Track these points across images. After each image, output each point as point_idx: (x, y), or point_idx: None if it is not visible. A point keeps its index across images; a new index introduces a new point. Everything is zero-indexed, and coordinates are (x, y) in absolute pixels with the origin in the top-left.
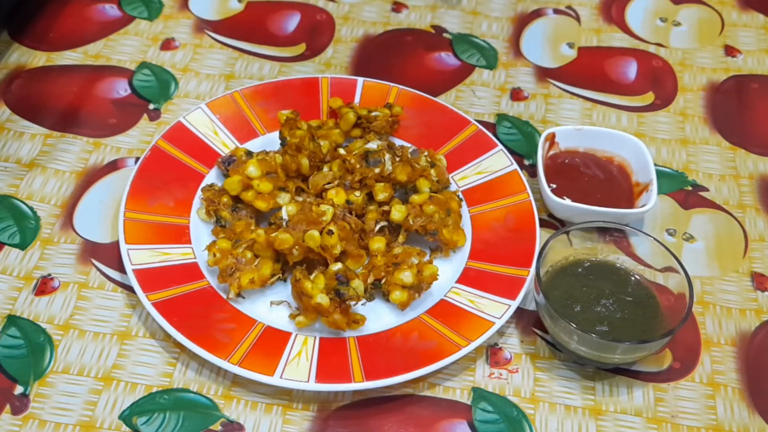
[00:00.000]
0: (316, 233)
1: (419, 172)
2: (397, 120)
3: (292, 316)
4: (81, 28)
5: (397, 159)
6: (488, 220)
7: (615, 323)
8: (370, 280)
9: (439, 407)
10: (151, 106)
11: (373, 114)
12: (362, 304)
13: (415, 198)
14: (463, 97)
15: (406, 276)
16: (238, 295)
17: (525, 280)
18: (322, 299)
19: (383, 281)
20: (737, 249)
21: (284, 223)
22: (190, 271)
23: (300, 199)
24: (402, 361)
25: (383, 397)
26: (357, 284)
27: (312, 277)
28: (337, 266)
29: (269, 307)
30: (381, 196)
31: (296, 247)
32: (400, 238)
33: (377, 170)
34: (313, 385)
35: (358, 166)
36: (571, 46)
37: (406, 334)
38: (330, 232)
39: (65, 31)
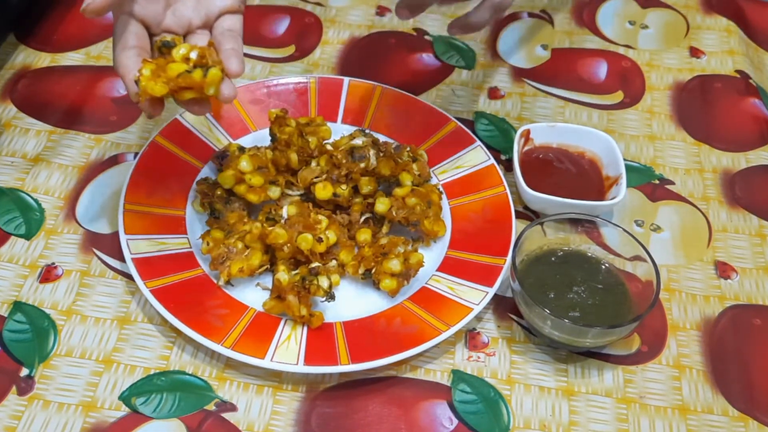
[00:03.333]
0: (309, 236)
1: (402, 167)
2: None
3: (265, 303)
4: (83, 31)
5: (381, 154)
6: (467, 211)
7: (586, 309)
8: (361, 270)
9: (420, 388)
10: None
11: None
12: (322, 301)
13: (398, 191)
14: (444, 95)
15: (395, 264)
16: (228, 282)
17: (501, 269)
18: (282, 276)
19: (373, 270)
20: (701, 239)
21: (282, 220)
22: (186, 260)
23: (291, 192)
24: (385, 344)
25: (368, 379)
26: (323, 280)
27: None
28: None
29: (259, 293)
30: (366, 189)
31: (288, 244)
32: (384, 229)
33: (362, 165)
34: (302, 368)
35: (344, 160)
36: (545, 47)
37: (390, 319)
38: (320, 239)
39: (69, 33)
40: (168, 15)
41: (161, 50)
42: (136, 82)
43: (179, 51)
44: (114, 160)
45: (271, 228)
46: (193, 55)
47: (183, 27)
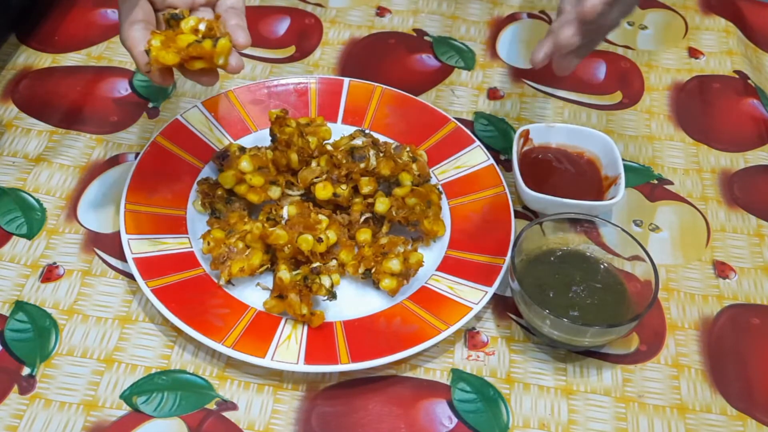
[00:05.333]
0: (310, 237)
1: (401, 167)
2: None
3: (265, 303)
4: (84, 32)
5: (381, 154)
6: (466, 211)
7: (585, 308)
8: (361, 270)
9: (420, 387)
10: (151, 105)
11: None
12: (323, 300)
13: (397, 191)
14: (443, 96)
15: (394, 264)
16: (228, 281)
17: (501, 268)
18: (284, 275)
19: (373, 270)
20: (700, 239)
21: (283, 221)
22: (187, 260)
23: (291, 193)
24: (385, 343)
25: (368, 378)
26: (325, 279)
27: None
28: (332, 263)
29: (260, 292)
30: (366, 189)
31: (288, 245)
32: (384, 229)
33: (362, 165)
34: (302, 367)
35: (344, 161)
36: None
37: (390, 318)
38: (320, 240)
39: (70, 34)
40: None
41: (169, 23)
42: (147, 52)
43: (188, 23)
44: (115, 160)
45: (272, 229)
46: (202, 27)
47: (187, 4)
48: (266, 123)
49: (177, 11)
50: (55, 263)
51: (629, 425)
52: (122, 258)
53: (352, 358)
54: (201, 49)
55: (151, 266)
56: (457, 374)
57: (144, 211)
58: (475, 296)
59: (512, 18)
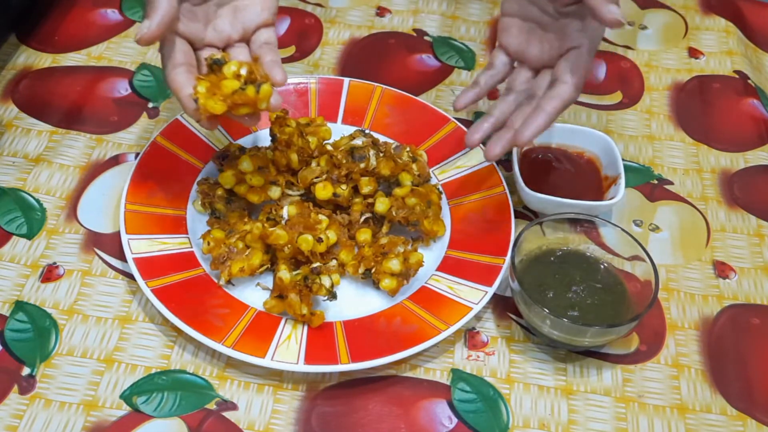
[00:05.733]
0: (310, 237)
1: (402, 167)
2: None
3: (265, 303)
4: (84, 32)
5: (381, 154)
6: (466, 211)
7: (585, 308)
8: (361, 270)
9: (420, 387)
10: (151, 105)
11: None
12: (324, 300)
13: (397, 191)
14: (443, 96)
15: (394, 264)
16: (228, 281)
17: (501, 268)
18: (284, 275)
19: (373, 270)
20: (700, 239)
21: (283, 221)
22: (187, 260)
23: (291, 193)
24: (385, 343)
25: (368, 378)
26: (325, 279)
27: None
28: (332, 263)
29: (260, 292)
30: (366, 189)
31: (288, 245)
32: (384, 229)
33: (362, 165)
34: (302, 367)
35: (344, 161)
36: None
37: (389, 318)
38: (320, 240)
39: (70, 34)
40: (209, 31)
41: (212, 67)
42: (195, 100)
43: (230, 68)
44: (115, 160)
45: (272, 229)
46: (243, 72)
47: (222, 41)
48: (266, 123)
49: (219, 56)
50: (55, 263)
51: (629, 425)
52: (122, 258)
53: (352, 358)
54: (245, 97)
55: (151, 266)
56: (457, 374)
57: (144, 211)
58: (475, 296)
59: None
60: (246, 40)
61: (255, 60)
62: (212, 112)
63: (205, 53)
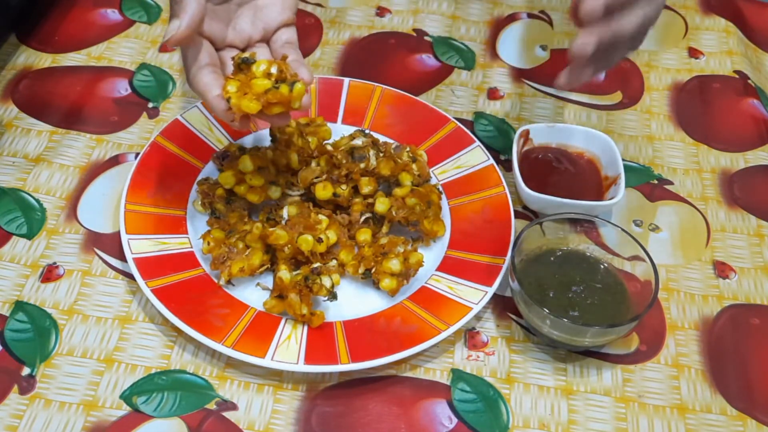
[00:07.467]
0: (310, 237)
1: (401, 167)
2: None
3: (265, 303)
4: (84, 32)
5: (381, 154)
6: (466, 211)
7: (585, 308)
8: (361, 270)
9: (420, 387)
10: (151, 105)
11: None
12: (324, 300)
13: (397, 191)
14: (443, 96)
15: (394, 264)
16: (228, 281)
17: (501, 268)
18: (284, 275)
19: (373, 270)
20: (700, 239)
21: (283, 221)
22: (187, 260)
23: (291, 193)
24: (385, 343)
25: (368, 378)
26: (326, 279)
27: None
28: (332, 263)
29: (259, 293)
30: (366, 189)
31: (288, 245)
32: (384, 229)
33: (362, 165)
34: (302, 367)
35: (344, 161)
36: (544, 48)
37: (389, 318)
38: (320, 240)
39: (70, 34)
40: (230, 31)
41: (240, 67)
42: (227, 100)
43: (259, 67)
44: (115, 161)
45: (272, 229)
46: (273, 70)
47: (243, 41)
48: (266, 123)
49: (246, 55)
50: (55, 263)
51: (629, 425)
52: (122, 258)
53: (352, 358)
54: (279, 95)
55: (151, 266)
56: (457, 374)
57: (144, 211)
58: (475, 296)
59: (512, 18)
60: (266, 40)
61: (284, 59)
62: (246, 111)
63: (226, 54)
